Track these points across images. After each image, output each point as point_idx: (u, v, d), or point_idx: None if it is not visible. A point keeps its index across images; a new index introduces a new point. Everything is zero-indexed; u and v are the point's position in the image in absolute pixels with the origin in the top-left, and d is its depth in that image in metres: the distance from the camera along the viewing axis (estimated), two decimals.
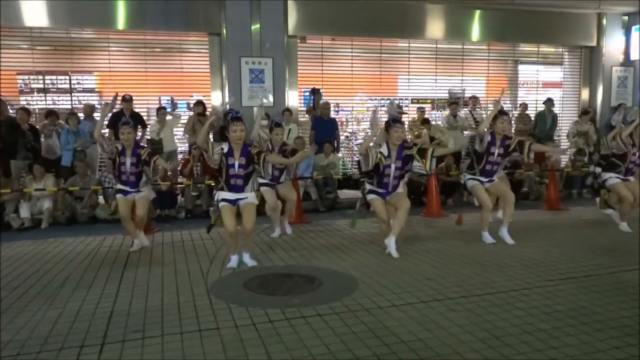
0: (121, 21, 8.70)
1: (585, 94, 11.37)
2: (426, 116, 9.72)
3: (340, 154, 9.60)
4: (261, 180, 5.92)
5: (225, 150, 4.70)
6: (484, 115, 10.38)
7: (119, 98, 7.49)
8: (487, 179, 5.72)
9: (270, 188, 6.10)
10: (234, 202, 4.77)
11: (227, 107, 8.88)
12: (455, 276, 4.47)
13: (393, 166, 5.18)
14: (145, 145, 5.83)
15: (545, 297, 3.92)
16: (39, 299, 4.04)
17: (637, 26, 10.84)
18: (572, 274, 4.52)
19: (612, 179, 6.37)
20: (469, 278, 4.41)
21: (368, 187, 5.37)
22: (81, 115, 8.46)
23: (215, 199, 4.88)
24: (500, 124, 5.60)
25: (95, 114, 8.59)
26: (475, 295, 3.96)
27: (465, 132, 9.89)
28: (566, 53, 11.41)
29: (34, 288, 4.33)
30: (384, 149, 5.18)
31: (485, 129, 5.67)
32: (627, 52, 11.09)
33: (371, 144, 5.33)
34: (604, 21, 10.91)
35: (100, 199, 7.91)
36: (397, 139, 5.15)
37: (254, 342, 3.16)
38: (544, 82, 11.48)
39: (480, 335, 3.22)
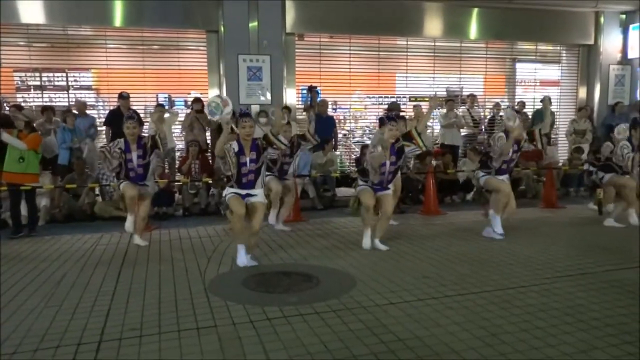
0: (118, 18, 8.67)
1: (582, 92, 11.37)
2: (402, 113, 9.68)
3: (338, 152, 9.60)
4: (267, 173, 6.01)
5: (236, 149, 4.66)
6: (482, 114, 10.45)
7: (113, 92, 7.38)
8: (500, 178, 5.79)
9: (276, 178, 6.23)
10: (243, 197, 4.75)
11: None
12: (453, 274, 4.48)
13: (388, 162, 5.26)
14: (146, 135, 5.80)
15: (542, 295, 3.93)
16: (35, 296, 4.03)
17: (635, 25, 10.84)
18: (569, 272, 4.53)
19: (608, 174, 6.46)
20: (466, 276, 4.42)
21: (362, 184, 5.42)
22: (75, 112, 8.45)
23: (224, 194, 4.87)
24: (517, 131, 5.59)
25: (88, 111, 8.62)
26: (473, 293, 3.97)
27: (462, 130, 9.92)
28: (564, 51, 11.41)
29: (30, 286, 4.32)
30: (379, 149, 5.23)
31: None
32: (624, 51, 11.10)
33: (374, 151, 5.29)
34: (602, 20, 10.91)
35: (98, 198, 7.89)
36: (391, 137, 5.23)
37: (251, 340, 3.16)
38: (541, 80, 11.49)
39: (477, 333, 3.23)
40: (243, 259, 4.80)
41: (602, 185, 6.70)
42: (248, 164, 4.70)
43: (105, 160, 5.52)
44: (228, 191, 4.80)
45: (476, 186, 6.58)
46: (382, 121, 5.34)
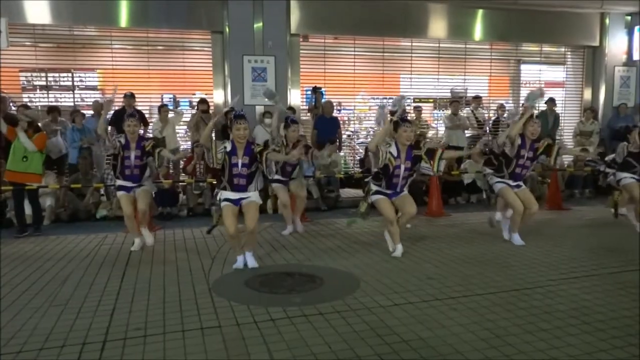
0: (124, 19, 8.71)
1: (587, 93, 11.34)
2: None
3: (342, 153, 9.59)
4: (275, 177, 5.96)
5: (229, 148, 4.61)
6: (486, 115, 10.44)
7: (118, 92, 7.42)
8: (515, 183, 5.64)
9: (282, 185, 6.17)
10: (236, 202, 4.68)
11: (229, 105, 8.90)
12: (457, 275, 4.47)
13: (402, 167, 5.10)
14: (150, 137, 5.75)
15: (547, 296, 3.92)
16: (40, 296, 4.05)
17: None
18: (574, 273, 4.52)
19: (626, 178, 6.31)
20: (471, 277, 4.41)
21: (374, 188, 5.26)
22: (90, 112, 8.50)
23: (217, 198, 4.79)
24: (531, 127, 5.51)
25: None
26: (477, 295, 3.96)
27: (467, 132, 9.91)
28: (569, 53, 11.38)
29: (35, 285, 4.34)
30: (393, 149, 5.09)
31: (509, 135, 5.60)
32: (629, 52, 11.05)
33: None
34: (607, 21, 10.87)
35: (103, 198, 7.92)
36: (407, 138, 5.07)
37: (255, 341, 3.16)
38: (546, 82, 11.43)
39: (481, 334, 3.22)
40: (240, 263, 4.80)
41: (618, 187, 6.57)
42: (240, 167, 4.61)
43: (103, 138, 5.36)
44: (221, 196, 4.71)
45: (484, 186, 6.47)
46: (396, 124, 5.20)
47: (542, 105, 10.56)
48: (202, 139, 4.78)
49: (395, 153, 5.09)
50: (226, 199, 4.68)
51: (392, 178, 5.13)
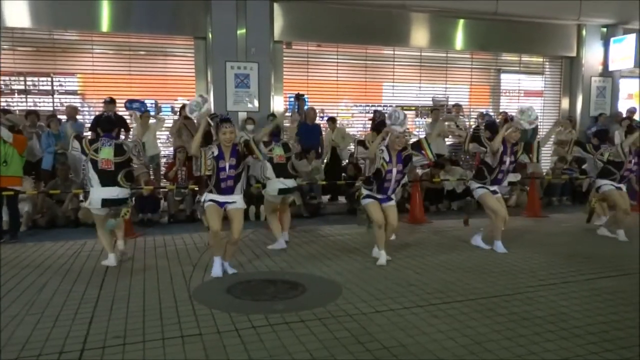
0: (105, 23, 8.63)
1: (565, 103, 11.60)
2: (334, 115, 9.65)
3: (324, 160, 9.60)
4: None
5: (216, 153, 4.62)
6: (467, 123, 10.58)
7: (99, 97, 7.23)
8: (493, 188, 5.73)
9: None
10: (221, 205, 4.68)
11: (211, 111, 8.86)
12: (438, 282, 4.51)
13: (394, 170, 5.17)
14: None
15: (526, 303, 3.97)
16: (17, 303, 3.97)
17: (616, 38, 11.11)
18: (552, 280, 4.59)
19: (606, 185, 6.44)
20: (451, 284, 4.45)
21: (365, 192, 5.32)
22: (64, 117, 8.37)
23: (202, 199, 4.79)
24: (514, 132, 5.59)
25: (78, 116, 8.56)
26: (457, 302, 4.00)
27: (447, 140, 10.01)
28: (547, 63, 11.64)
29: (12, 293, 4.25)
30: (386, 155, 5.15)
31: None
32: (605, 63, 11.35)
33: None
34: (584, 32, 11.15)
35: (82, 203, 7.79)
36: (398, 144, 5.16)
37: (236, 348, 3.15)
38: (525, 91, 11.69)
39: (461, 341, 3.26)
40: (218, 270, 4.72)
41: (597, 192, 6.64)
42: (227, 170, 4.64)
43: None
44: (207, 197, 4.72)
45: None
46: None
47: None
48: (192, 149, 4.61)
49: (387, 158, 5.16)
50: (211, 200, 4.68)
51: (384, 182, 5.19)
